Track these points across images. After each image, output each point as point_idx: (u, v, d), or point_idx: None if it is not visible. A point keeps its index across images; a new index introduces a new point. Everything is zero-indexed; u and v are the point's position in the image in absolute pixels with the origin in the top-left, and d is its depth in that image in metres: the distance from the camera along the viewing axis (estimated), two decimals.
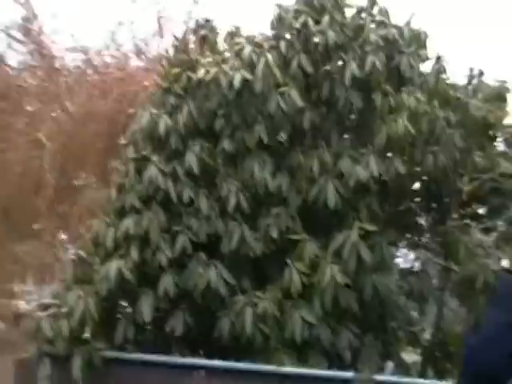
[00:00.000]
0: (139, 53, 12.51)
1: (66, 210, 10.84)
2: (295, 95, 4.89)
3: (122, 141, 5.54)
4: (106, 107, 10.45)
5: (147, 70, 11.68)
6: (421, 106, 4.82)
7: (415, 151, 5.04)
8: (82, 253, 5.39)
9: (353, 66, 4.87)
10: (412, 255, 5.60)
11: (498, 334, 2.32)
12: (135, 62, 11.97)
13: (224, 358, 5.06)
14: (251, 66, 4.89)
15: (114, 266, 5.02)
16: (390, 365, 5.26)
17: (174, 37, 5.63)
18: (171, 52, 5.59)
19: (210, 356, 5.18)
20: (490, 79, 5.61)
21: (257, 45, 4.94)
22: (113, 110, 10.13)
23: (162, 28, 11.76)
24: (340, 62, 4.98)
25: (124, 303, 5.32)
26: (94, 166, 11.11)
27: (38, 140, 10.91)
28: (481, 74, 5.57)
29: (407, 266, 5.49)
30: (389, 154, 4.92)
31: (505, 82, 5.53)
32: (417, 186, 5.40)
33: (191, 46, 5.56)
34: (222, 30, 5.54)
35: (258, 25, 5.51)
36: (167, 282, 5.06)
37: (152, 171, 5.14)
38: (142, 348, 5.33)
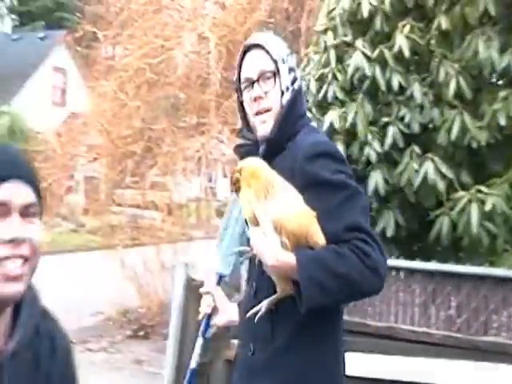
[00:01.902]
0: None
1: (233, 106, 10.70)
2: None
3: (318, 27, 5.06)
4: None
5: None
6: None
7: None
8: None
9: None
10: None
11: None
12: None
13: (442, 261, 4.65)
14: None
15: None
16: None
17: None
18: None
19: (425, 259, 4.79)
20: None
21: None
22: None
23: None
24: None
25: None
26: None
27: (200, 35, 10.68)
28: None
29: None
30: None
31: None
32: None
33: None
34: None
35: None
36: (377, 179, 4.66)
37: (357, 58, 4.64)
38: None
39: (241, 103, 2.12)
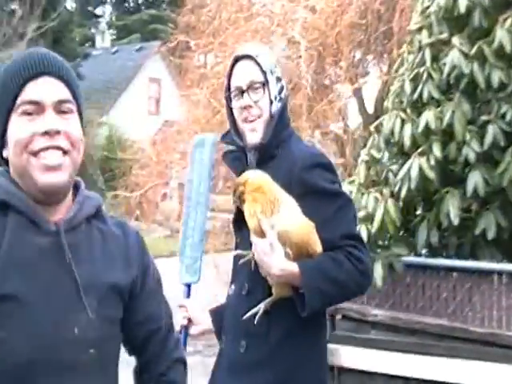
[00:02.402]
0: None
1: (324, 109, 10.66)
2: None
3: (412, 26, 4.95)
4: None
5: None
6: None
7: None
8: (374, 152, 5.01)
9: None
10: None
11: None
12: None
13: None
14: None
15: (415, 164, 4.56)
16: None
17: None
18: None
19: None
20: None
21: None
22: None
23: None
24: None
25: (425, 205, 4.86)
26: (350, 61, 10.72)
27: (291, 39, 10.71)
28: None
29: None
30: None
31: None
32: None
33: None
34: None
35: None
36: (476, 180, 4.49)
37: (453, 55, 4.50)
38: (445, 253, 4.90)
39: (230, 110, 2.20)
